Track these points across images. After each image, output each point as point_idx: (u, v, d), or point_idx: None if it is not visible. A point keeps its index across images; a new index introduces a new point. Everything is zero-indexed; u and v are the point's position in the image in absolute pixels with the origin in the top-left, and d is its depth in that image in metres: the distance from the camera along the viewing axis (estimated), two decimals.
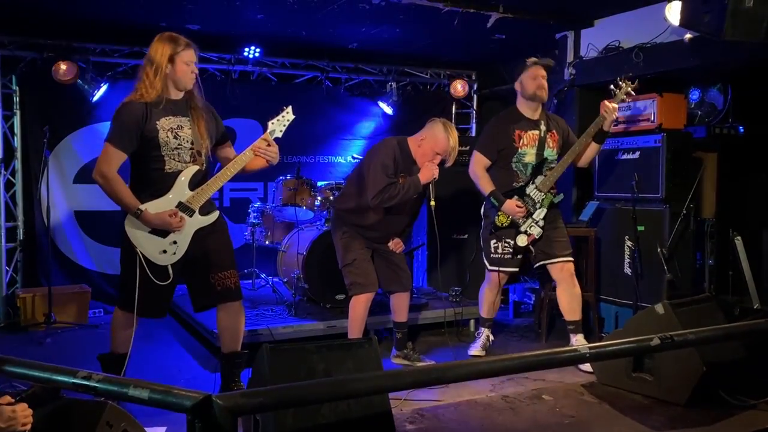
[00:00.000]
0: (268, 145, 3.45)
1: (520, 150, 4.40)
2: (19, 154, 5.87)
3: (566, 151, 4.46)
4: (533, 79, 4.39)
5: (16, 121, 5.84)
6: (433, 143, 4.04)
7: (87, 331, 5.49)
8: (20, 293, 5.61)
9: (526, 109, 4.46)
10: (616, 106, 4.35)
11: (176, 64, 3.30)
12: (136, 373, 3.65)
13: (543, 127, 4.45)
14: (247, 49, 6.27)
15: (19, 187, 5.89)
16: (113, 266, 6.08)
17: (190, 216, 3.38)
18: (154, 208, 3.29)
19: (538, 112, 4.47)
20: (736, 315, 4.88)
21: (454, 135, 4.07)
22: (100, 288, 6.10)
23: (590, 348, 2.48)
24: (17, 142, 5.86)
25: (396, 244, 4.35)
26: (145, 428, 2.54)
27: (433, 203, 4.09)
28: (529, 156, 4.42)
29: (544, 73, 4.42)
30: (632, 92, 4.42)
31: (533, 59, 4.47)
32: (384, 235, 4.30)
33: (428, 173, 4.01)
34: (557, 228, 4.48)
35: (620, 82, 4.42)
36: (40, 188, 5.64)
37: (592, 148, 4.47)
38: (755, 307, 5.01)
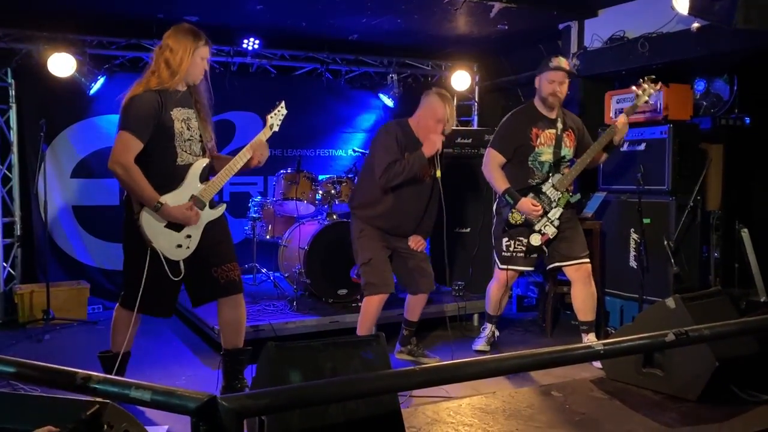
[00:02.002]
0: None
1: (537, 149, 4.31)
2: (15, 149, 5.79)
3: (581, 150, 4.40)
4: (549, 83, 4.28)
5: (12, 114, 5.74)
6: (431, 113, 4.03)
7: (86, 328, 5.43)
8: (18, 289, 5.54)
9: (542, 107, 4.37)
10: (626, 122, 4.29)
11: (194, 58, 3.28)
12: (136, 371, 3.58)
13: (560, 125, 4.37)
14: (246, 41, 6.18)
15: (15, 182, 5.80)
16: (112, 262, 6.01)
17: (201, 209, 3.34)
18: (169, 200, 3.23)
19: (555, 111, 4.37)
20: (743, 308, 4.83)
21: (450, 102, 4.05)
22: (99, 284, 6.02)
23: (604, 344, 2.42)
24: (13, 136, 5.77)
25: (416, 243, 4.25)
26: (147, 428, 2.47)
27: (438, 173, 4.06)
28: (546, 155, 4.33)
29: (562, 78, 4.29)
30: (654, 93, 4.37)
31: (555, 63, 4.31)
32: (399, 226, 4.20)
33: (431, 145, 3.97)
34: (574, 228, 4.40)
35: (643, 83, 4.34)
36: (37, 183, 5.55)
37: (601, 156, 4.44)
38: (762, 300, 4.96)
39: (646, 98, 4.37)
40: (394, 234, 4.23)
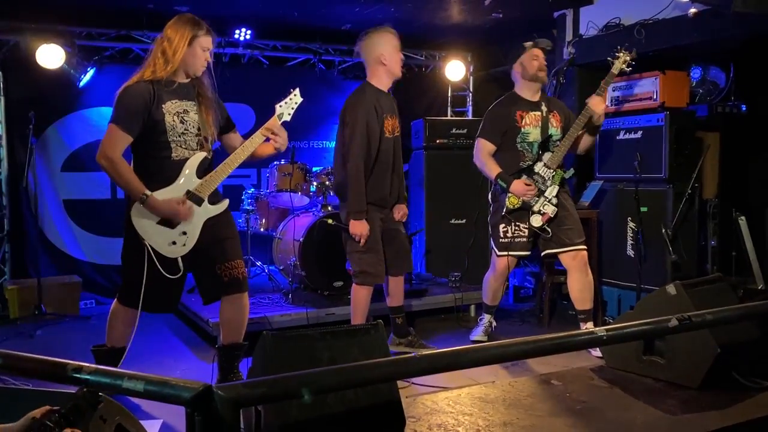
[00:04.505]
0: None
1: (523, 130, 4.30)
2: (4, 142, 5.71)
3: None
4: (533, 59, 4.32)
5: (0, 107, 5.65)
6: (391, 45, 4.02)
7: (78, 323, 5.36)
8: (8, 285, 5.46)
9: (526, 92, 4.38)
10: (601, 98, 4.28)
11: (193, 48, 3.19)
12: (129, 365, 3.49)
13: (544, 108, 4.37)
14: (237, 32, 6.11)
15: (4, 176, 5.72)
16: (104, 256, 5.96)
17: (199, 205, 3.24)
18: (161, 195, 3.14)
19: (538, 95, 4.39)
20: (740, 296, 4.80)
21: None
22: (91, 278, 5.96)
23: (607, 330, 2.37)
24: (2, 129, 5.69)
25: (399, 212, 4.19)
26: (141, 422, 2.41)
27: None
28: (533, 135, 4.32)
29: (542, 54, 4.36)
30: (631, 61, 4.33)
31: (531, 42, 4.38)
32: (387, 193, 4.08)
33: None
34: (568, 214, 4.33)
35: (617, 53, 4.35)
36: (27, 177, 5.47)
37: (587, 140, 4.41)
38: (759, 287, 4.93)
39: (622, 66, 4.35)
40: (382, 205, 4.09)
